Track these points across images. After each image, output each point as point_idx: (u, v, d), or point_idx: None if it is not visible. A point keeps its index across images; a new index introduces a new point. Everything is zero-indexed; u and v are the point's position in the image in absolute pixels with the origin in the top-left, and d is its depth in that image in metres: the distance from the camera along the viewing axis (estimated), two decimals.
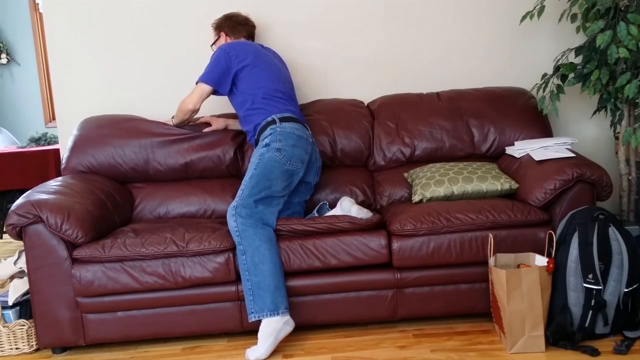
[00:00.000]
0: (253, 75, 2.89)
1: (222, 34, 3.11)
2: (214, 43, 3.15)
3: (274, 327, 2.49)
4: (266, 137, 2.80)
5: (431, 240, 2.59)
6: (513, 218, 2.59)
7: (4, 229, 2.59)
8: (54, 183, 2.85)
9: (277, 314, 2.50)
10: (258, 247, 2.53)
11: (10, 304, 2.75)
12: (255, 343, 2.52)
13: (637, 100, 2.89)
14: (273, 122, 2.83)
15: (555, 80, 3.04)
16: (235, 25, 3.12)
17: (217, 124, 3.18)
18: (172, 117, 3.17)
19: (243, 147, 3.20)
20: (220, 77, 2.88)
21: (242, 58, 2.89)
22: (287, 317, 2.53)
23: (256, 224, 2.58)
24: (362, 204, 2.93)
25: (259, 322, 2.53)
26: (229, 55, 2.88)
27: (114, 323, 2.64)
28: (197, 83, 2.92)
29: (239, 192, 2.66)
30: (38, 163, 4.31)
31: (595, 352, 2.33)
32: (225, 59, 2.87)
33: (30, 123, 6.59)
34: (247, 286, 2.54)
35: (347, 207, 2.74)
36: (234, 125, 3.19)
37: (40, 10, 6.52)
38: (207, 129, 3.16)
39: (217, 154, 3.13)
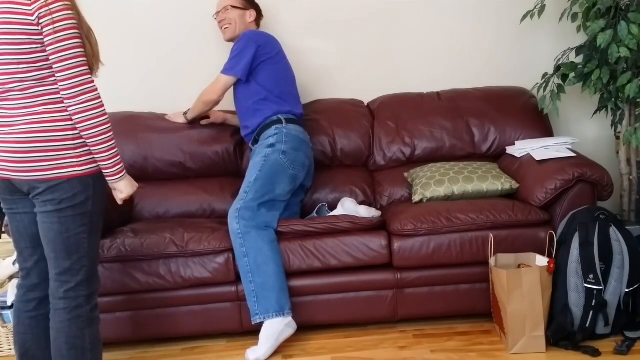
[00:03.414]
0: (275, 71, 2.85)
1: (252, 12, 3.02)
2: (235, 7, 2.99)
3: (276, 328, 2.48)
4: (270, 136, 2.78)
5: (431, 241, 2.59)
6: (514, 218, 2.58)
7: (3, 229, 2.59)
8: None
9: (283, 315, 2.49)
10: (261, 248, 2.52)
11: (9, 304, 2.74)
12: (255, 343, 2.51)
13: (637, 100, 2.88)
14: (279, 121, 2.82)
15: (556, 80, 3.04)
16: (261, 12, 3.09)
17: (216, 117, 3.16)
18: (185, 113, 3.10)
19: (243, 145, 3.19)
20: (247, 69, 2.80)
21: (268, 50, 2.84)
22: (290, 319, 2.52)
23: (258, 226, 2.57)
24: (362, 204, 2.92)
25: (260, 323, 2.52)
26: (257, 45, 2.80)
27: (113, 323, 2.63)
28: (222, 73, 2.84)
29: (242, 194, 2.64)
30: None
31: (596, 353, 2.32)
32: (254, 50, 2.79)
33: None
34: (249, 288, 2.53)
35: (352, 208, 2.74)
36: (233, 120, 3.17)
37: None
38: (204, 121, 3.14)
39: (216, 150, 3.13)
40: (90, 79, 1.88)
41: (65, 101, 1.85)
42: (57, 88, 1.86)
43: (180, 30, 3.40)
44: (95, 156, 1.91)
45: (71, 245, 1.91)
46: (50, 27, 1.79)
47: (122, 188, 2.02)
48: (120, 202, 2.10)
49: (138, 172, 3.11)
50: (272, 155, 2.71)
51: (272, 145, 2.74)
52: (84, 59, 1.86)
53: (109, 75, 3.42)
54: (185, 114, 3.11)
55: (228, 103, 3.09)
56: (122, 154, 3.05)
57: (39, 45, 1.83)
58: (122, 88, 3.43)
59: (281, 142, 2.75)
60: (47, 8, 1.79)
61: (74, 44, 1.84)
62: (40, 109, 1.86)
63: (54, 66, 1.83)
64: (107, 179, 1.98)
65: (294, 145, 2.77)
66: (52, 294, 1.97)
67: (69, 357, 1.93)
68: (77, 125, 1.86)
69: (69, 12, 1.83)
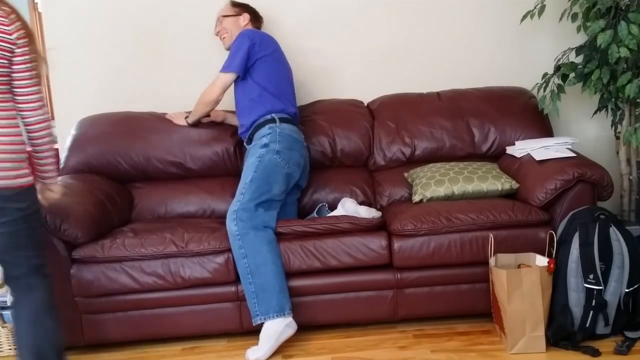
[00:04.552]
0: (269, 68, 2.86)
1: (247, 15, 3.04)
2: (227, 16, 3.04)
3: (276, 329, 2.48)
4: (264, 135, 2.78)
5: (431, 240, 2.59)
6: (514, 218, 2.58)
7: None
8: None
9: (283, 315, 2.49)
10: (260, 249, 2.52)
11: (9, 304, 2.73)
12: (255, 343, 2.51)
13: (637, 100, 2.88)
14: (272, 120, 2.82)
15: (556, 80, 3.04)
16: (258, 15, 3.11)
17: (216, 116, 3.16)
18: (186, 117, 3.10)
19: (243, 145, 3.18)
20: (243, 64, 2.82)
21: (264, 47, 2.86)
22: (290, 320, 2.52)
23: (257, 227, 2.56)
24: (362, 204, 2.91)
25: (260, 324, 2.52)
26: (252, 42, 2.82)
27: (113, 323, 2.63)
28: (220, 71, 2.86)
29: (239, 195, 2.64)
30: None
31: (596, 353, 2.32)
32: (249, 46, 2.82)
33: None
34: (249, 289, 2.53)
35: (353, 208, 2.74)
36: (232, 119, 3.17)
37: (39, 10, 6.50)
38: (205, 119, 3.14)
39: (216, 150, 3.13)
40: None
41: (27, 112, 2.07)
42: (13, 106, 2.05)
43: (180, 30, 3.40)
44: (45, 160, 2.17)
45: (39, 242, 2.14)
46: (26, 48, 2.03)
47: (58, 189, 2.28)
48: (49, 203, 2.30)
49: (138, 172, 3.12)
50: (267, 156, 2.72)
51: (265, 145, 2.75)
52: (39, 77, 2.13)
53: (109, 75, 3.44)
54: (186, 117, 3.10)
55: (229, 103, 3.09)
56: (123, 154, 3.09)
57: (7, 63, 2.01)
58: (122, 88, 3.43)
59: (274, 141, 2.75)
60: (24, 31, 2.03)
61: (37, 65, 2.09)
62: (6, 122, 2.02)
63: (23, 82, 2.04)
64: (49, 181, 2.23)
65: (288, 145, 2.77)
66: (27, 284, 2.12)
67: (52, 313, 2.13)
68: (37, 134, 2.10)
69: (33, 37, 2.09)
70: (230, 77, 2.85)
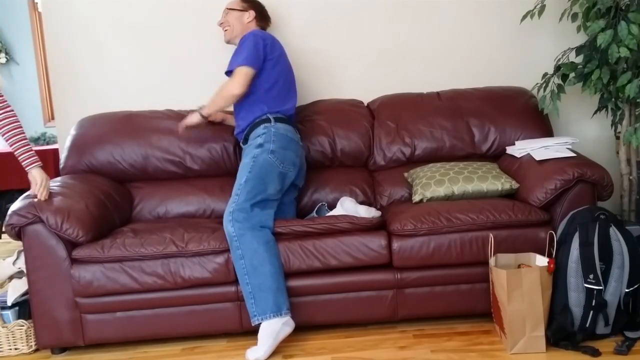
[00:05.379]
0: (274, 72, 2.85)
1: (252, 12, 3.00)
2: (232, 9, 3.00)
3: (273, 328, 2.48)
4: (258, 135, 2.78)
5: (431, 240, 2.59)
6: (514, 218, 2.58)
7: (3, 229, 2.62)
8: (54, 183, 2.83)
9: (280, 315, 2.49)
10: (256, 249, 2.52)
11: (9, 304, 2.74)
12: (255, 343, 2.51)
13: (637, 100, 2.88)
14: (267, 120, 2.82)
15: (556, 80, 3.04)
16: (265, 15, 3.09)
17: (215, 116, 3.14)
18: (201, 107, 2.89)
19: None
20: (260, 62, 2.78)
21: (273, 49, 2.85)
22: (288, 318, 2.52)
23: (253, 227, 2.56)
24: (362, 204, 2.92)
25: (259, 324, 2.52)
26: (265, 42, 2.81)
27: (113, 323, 2.63)
28: (238, 66, 2.76)
29: (234, 197, 2.64)
30: None
31: (596, 353, 2.32)
32: (263, 45, 2.80)
33: (29, 122, 6.55)
34: (247, 290, 2.53)
35: (352, 208, 2.74)
36: (231, 120, 3.16)
37: (39, 10, 6.51)
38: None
39: (216, 149, 3.13)
40: None
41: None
42: None
43: (180, 29, 3.40)
44: (17, 151, 2.58)
45: None
46: None
47: (37, 174, 2.62)
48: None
49: (138, 172, 3.12)
50: (261, 156, 2.71)
51: (260, 146, 2.74)
52: None
53: (109, 75, 3.44)
54: (198, 112, 2.90)
55: None
56: (122, 153, 3.09)
57: None
58: (122, 88, 3.43)
59: (269, 141, 2.74)
60: None
61: None
62: None
63: None
64: (28, 168, 2.61)
65: (283, 144, 2.77)
66: None
67: None
68: (19, 128, 2.60)
69: None
70: (251, 71, 2.76)
